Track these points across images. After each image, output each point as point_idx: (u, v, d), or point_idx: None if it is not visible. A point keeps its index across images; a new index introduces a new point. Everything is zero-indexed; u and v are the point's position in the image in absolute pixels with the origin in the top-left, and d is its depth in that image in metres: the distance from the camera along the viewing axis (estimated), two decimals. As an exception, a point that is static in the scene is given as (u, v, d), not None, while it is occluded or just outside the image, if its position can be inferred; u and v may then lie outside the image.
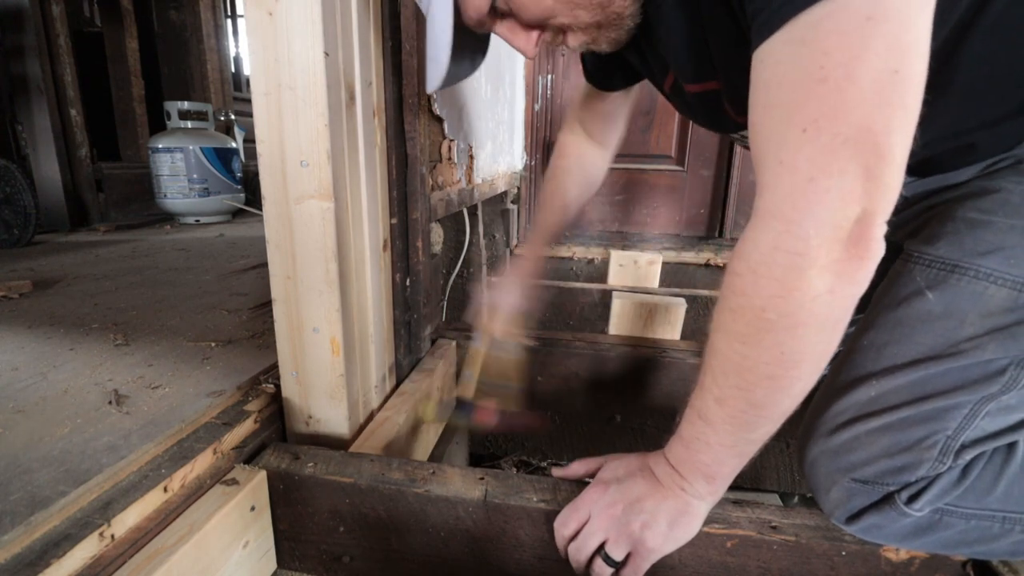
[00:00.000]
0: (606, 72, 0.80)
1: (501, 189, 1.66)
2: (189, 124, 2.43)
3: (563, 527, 0.56)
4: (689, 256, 1.88)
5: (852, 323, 0.45)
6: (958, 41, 0.47)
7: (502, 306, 0.93)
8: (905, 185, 0.56)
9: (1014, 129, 0.51)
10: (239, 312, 1.07)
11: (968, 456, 0.51)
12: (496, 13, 0.55)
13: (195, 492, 0.56)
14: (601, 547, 0.54)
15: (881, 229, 0.40)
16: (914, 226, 0.59)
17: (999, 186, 0.52)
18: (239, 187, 2.58)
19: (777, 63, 0.40)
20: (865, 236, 0.39)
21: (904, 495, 0.52)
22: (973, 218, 0.52)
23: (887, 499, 0.52)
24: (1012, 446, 0.51)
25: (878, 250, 0.40)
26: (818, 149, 0.38)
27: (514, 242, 2.00)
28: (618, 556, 0.53)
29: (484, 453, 1.15)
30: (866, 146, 0.37)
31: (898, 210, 0.55)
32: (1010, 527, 0.51)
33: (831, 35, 0.36)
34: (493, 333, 0.91)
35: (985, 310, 0.49)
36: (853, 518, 0.54)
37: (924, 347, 0.51)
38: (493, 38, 0.63)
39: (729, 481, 0.53)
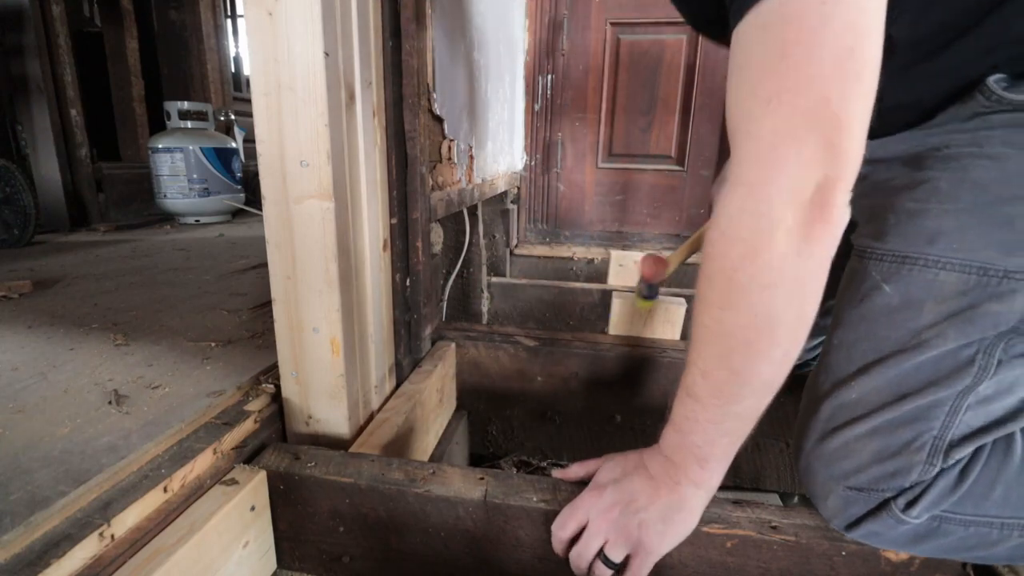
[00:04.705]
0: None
1: (501, 189, 1.66)
2: (189, 124, 2.43)
3: (561, 530, 0.56)
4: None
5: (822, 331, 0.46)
6: None
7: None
8: None
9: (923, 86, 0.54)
10: (239, 312, 1.07)
11: (957, 455, 0.51)
12: None
13: (195, 492, 0.56)
14: (601, 550, 0.54)
15: (844, 196, 0.42)
16: (861, 222, 0.61)
17: (927, 176, 0.53)
18: (239, 187, 2.58)
19: (746, 45, 0.43)
20: (828, 202, 0.41)
21: (900, 502, 0.51)
22: (911, 208, 0.53)
23: (883, 506, 0.52)
24: (1009, 449, 0.51)
25: (841, 216, 0.42)
26: (780, 119, 0.41)
27: (514, 242, 2.00)
28: (617, 559, 0.53)
29: (484, 453, 1.15)
30: (825, 117, 0.40)
31: None
32: (1008, 533, 0.50)
33: (791, 19, 0.39)
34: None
35: (939, 296, 0.50)
36: (852, 526, 0.54)
37: (890, 341, 0.53)
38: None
39: (723, 465, 0.53)
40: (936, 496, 0.50)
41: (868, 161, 0.63)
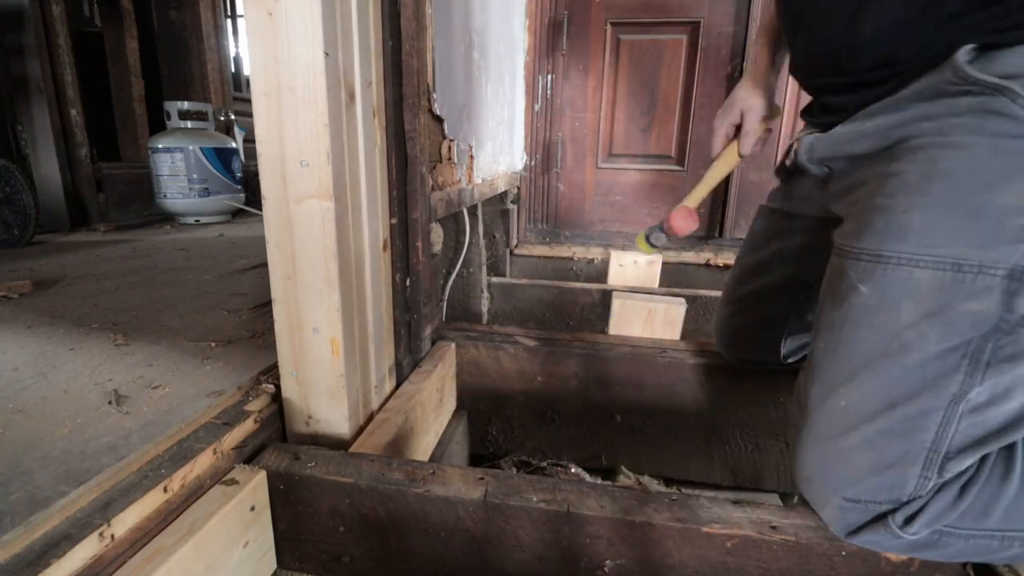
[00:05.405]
0: None
1: (501, 189, 1.66)
2: (189, 124, 2.43)
3: None
4: (689, 256, 1.89)
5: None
6: None
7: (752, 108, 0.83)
8: (815, 142, 0.62)
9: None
10: (239, 312, 1.07)
11: (954, 467, 0.49)
12: None
13: (195, 492, 0.56)
14: None
15: None
16: (844, 219, 0.59)
17: (897, 169, 0.52)
18: (239, 187, 2.58)
19: None
20: None
21: (899, 518, 0.50)
22: (882, 204, 0.52)
23: (881, 519, 0.52)
24: (1010, 465, 0.50)
25: None
26: None
27: (514, 242, 2.00)
28: None
29: (484, 453, 1.15)
30: None
31: (824, 180, 0.58)
32: (1008, 543, 0.50)
33: None
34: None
35: (916, 294, 0.48)
36: (851, 534, 0.54)
37: (871, 343, 0.51)
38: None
39: None
40: (935, 513, 0.49)
41: (846, 157, 0.62)
